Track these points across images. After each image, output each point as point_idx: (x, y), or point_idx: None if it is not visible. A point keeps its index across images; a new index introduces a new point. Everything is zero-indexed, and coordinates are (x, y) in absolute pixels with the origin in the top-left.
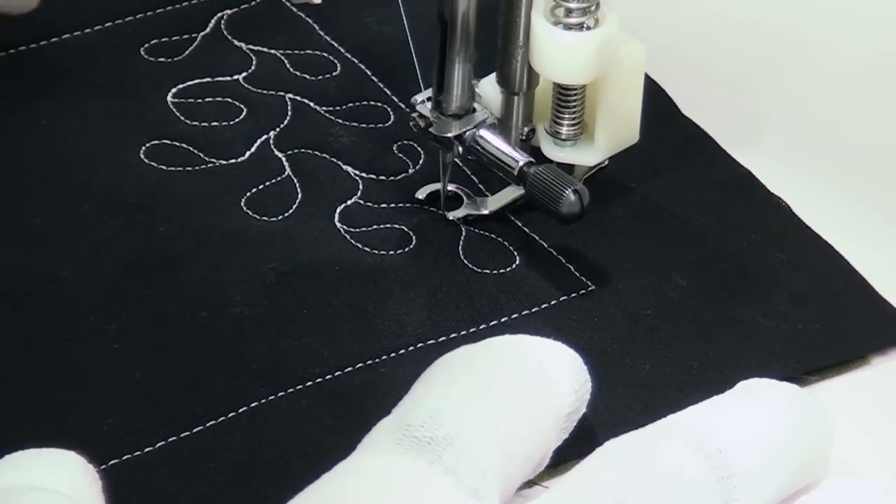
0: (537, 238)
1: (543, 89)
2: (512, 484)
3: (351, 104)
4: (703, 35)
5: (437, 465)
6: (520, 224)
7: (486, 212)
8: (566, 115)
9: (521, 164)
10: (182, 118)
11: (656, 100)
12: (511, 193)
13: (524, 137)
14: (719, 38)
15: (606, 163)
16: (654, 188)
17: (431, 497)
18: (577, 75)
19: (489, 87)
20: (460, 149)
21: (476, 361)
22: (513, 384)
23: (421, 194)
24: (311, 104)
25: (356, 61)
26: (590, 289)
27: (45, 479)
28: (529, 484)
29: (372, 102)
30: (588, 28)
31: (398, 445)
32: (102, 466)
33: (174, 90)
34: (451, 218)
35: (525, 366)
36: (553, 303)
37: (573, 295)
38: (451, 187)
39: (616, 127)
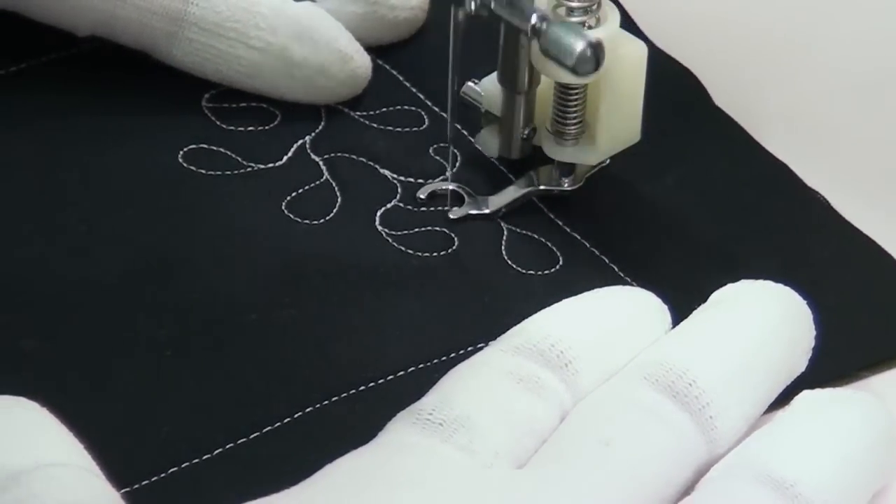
0: (578, 237)
1: (545, 89)
2: None
3: (384, 109)
4: (736, 23)
5: (450, 443)
6: (560, 223)
7: (487, 211)
8: (567, 115)
9: (533, 19)
10: (218, 123)
11: (688, 90)
12: (513, 193)
13: (525, 137)
14: (752, 26)
15: (608, 162)
16: (691, 185)
17: (445, 467)
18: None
19: (490, 87)
20: (473, 5)
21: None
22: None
23: (422, 193)
24: (345, 109)
25: (388, 67)
26: None
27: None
28: None
29: (406, 107)
30: (589, 27)
31: (411, 427)
32: (162, 475)
33: (207, 95)
34: (452, 217)
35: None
36: None
37: None
38: (452, 186)
39: (617, 126)
